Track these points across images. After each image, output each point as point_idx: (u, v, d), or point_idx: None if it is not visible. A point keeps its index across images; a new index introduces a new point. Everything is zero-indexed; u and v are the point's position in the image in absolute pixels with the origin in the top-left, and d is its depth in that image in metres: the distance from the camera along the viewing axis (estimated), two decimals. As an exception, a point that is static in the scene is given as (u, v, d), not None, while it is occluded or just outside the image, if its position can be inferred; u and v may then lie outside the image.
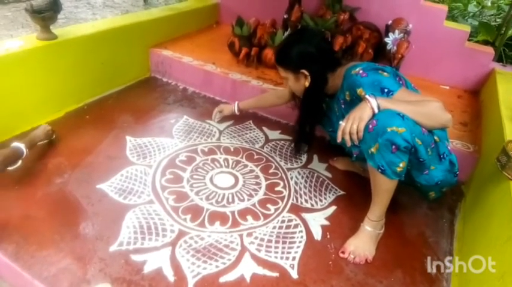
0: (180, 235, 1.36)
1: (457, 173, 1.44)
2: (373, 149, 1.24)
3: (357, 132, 1.23)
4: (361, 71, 1.36)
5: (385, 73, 1.35)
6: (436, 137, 1.33)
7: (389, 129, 1.18)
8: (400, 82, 1.38)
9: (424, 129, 1.24)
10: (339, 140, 1.28)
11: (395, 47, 2.30)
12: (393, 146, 1.19)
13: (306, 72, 1.47)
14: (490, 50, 2.49)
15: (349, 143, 1.26)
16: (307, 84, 1.50)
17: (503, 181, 1.34)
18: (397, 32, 2.31)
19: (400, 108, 1.21)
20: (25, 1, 1.80)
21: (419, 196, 1.59)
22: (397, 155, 1.21)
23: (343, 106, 1.49)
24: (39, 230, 1.32)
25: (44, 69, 1.85)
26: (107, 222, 1.38)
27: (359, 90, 1.34)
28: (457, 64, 2.50)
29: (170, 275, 1.21)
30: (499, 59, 3.03)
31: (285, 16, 2.57)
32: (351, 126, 1.23)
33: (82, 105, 2.10)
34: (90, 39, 2.05)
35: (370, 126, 1.22)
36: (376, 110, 1.22)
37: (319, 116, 1.67)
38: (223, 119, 2.12)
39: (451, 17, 3.73)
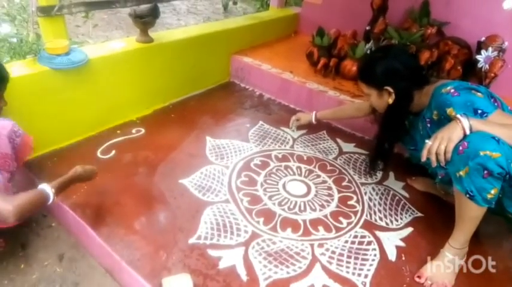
0: (253, 237, 1.41)
1: None
2: (461, 173, 1.17)
3: (445, 153, 1.18)
4: (452, 90, 1.29)
5: (478, 93, 1.27)
6: None
7: (482, 153, 1.11)
8: (496, 104, 1.29)
9: None
10: (423, 159, 1.23)
11: (487, 66, 2.16)
12: (485, 171, 1.12)
13: (391, 89, 1.43)
14: None
15: (434, 164, 1.21)
16: (390, 101, 1.46)
17: None
18: (490, 49, 2.16)
19: (495, 131, 1.14)
20: (130, 7, 1.97)
21: (508, 227, 1.46)
22: (489, 180, 1.13)
23: (428, 125, 1.43)
24: (128, 216, 1.44)
25: (139, 69, 2.03)
26: (187, 215, 1.47)
27: (449, 110, 1.28)
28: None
29: (243, 275, 1.25)
30: None
31: (368, 28, 2.54)
32: (439, 146, 1.18)
33: (168, 104, 2.26)
34: (181, 44, 2.21)
35: (461, 148, 1.16)
36: (467, 131, 1.16)
37: (400, 134, 1.61)
38: (299, 127, 2.14)
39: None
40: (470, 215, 1.23)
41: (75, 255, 1.44)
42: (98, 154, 1.75)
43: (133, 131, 1.95)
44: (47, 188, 1.20)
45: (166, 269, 1.24)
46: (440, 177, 1.39)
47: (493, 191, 1.15)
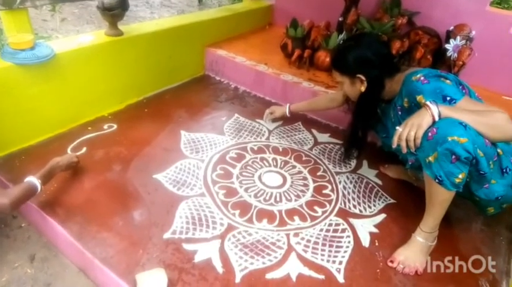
0: (229, 229, 1.41)
1: None
2: (431, 158, 1.20)
3: (414, 140, 1.20)
4: (422, 78, 1.32)
5: (447, 81, 1.30)
6: (499, 150, 1.26)
7: (449, 139, 1.14)
8: (464, 91, 1.33)
9: (487, 141, 1.19)
10: (394, 145, 1.26)
11: (456, 54, 2.21)
12: (453, 156, 1.15)
13: (363, 77, 1.45)
14: (561, 61, 2.32)
15: (404, 150, 1.24)
16: (363, 89, 1.48)
17: None
18: (458, 38, 2.22)
19: (462, 117, 1.17)
20: (97, -1, 1.92)
21: (476, 210, 1.51)
22: (457, 165, 1.17)
23: (399, 113, 1.46)
24: (100, 214, 1.41)
25: (109, 63, 1.98)
26: (162, 211, 1.45)
27: (419, 97, 1.30)
28: (524, 75, 2.35)
29: (219, 267, 1.25)
30: None
31: (340, 19, 2.55)
32: (409, 132, 1.21)
33: (141, 99, 2.22)
34: (153, 36, 2.16)
35: (430, 134, 1.19)
36: (436, 118, 1.19)
37: (372, 122, 1.64)
38: (274, 120, 2.15)
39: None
40: (439, 199, 1.26)
41: (47, 255, 1.40)
42: (69, 151, 1.71)
43: (105, 126, 1.90)
44: (33, 179, 1.31)
45: (141, 265, 1.23)
46: (410, 163, 1.42)
47: (460, 176, 1.18)
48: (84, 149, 1.72)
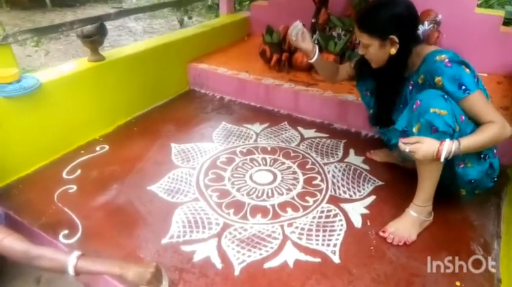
0: (224, 227, 1.45)
1: (496, 179, 1.40)
2: (415, 130, 1.26)
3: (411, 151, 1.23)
4: (446, 60, 1.27)
5: (467, 69, 1.27)
6: None
7: (431, 110, 1.20)
8: (478, 85, 1.29)
9: (462, 117, 1.24)
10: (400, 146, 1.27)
11: (425, 38, 2.30)
12: (433, 127, 1.20)
13: (396, 38, 1.34)
14: (527, 33, 2.41)
15: (403, 148, 1.26)
16: (393, 51, 1.36)
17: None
18: (426, 23, 2.30)
19: (469, 149, 1.22)
20: (76, 29, 2.00)
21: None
22: (436, 136, 1.21)
23: (410, 87, 1.43)
24: (100, 229, 1.46)
25: (95, 88, 2.05)
26: (158, 219, 1.50)
27: (437, 79, 1.28)
28: (494, 50, 2.43)
29: (218, 263, 1.30)
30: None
31: (313, 20, 2.65)
32: (414, 146, 1.22)
33: (130, 119, 2.29)
34: (134, 58, 2.25)
35: (414, 106, 1.25)
36: (442, 158, 1.20)
37: (398, 91, 1.53)
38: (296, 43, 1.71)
39: (489, 6, 3.63)
40: (426, 170, 1.32)
41: (52, 276, 1.44)
42: (64, 175, 1.76)
43: (97, 148, 1.96)
44: (71, 262, 1.08)
45: (142, 270, 1.27)
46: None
47: None
48: (78, 172, 1.78)
